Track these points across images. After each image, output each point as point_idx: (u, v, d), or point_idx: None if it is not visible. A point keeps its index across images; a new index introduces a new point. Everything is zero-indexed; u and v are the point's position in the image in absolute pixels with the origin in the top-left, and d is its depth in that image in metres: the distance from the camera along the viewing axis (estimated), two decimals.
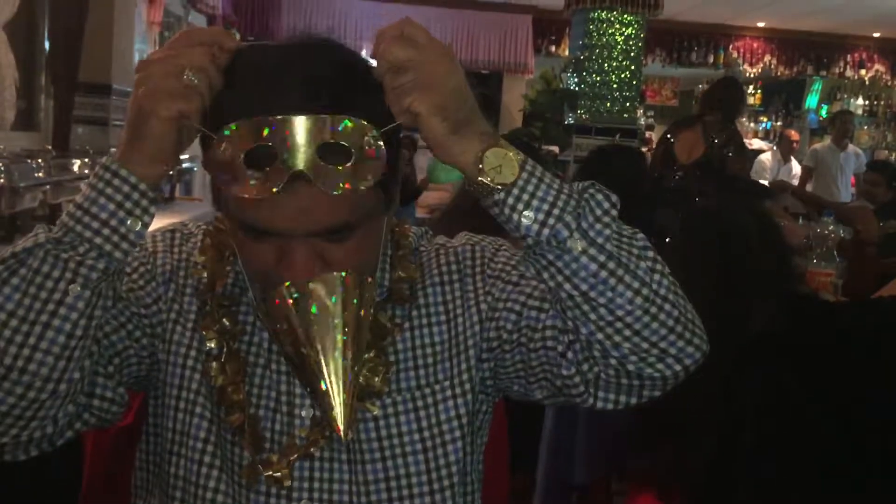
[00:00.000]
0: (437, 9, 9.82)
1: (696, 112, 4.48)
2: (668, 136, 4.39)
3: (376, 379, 0.98)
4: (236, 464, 0.98)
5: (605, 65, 7.23)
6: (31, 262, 0.82)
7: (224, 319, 0.99)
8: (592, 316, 0.89)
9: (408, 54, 0.82)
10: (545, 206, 0.85)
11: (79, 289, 0.82)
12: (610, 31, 7.17)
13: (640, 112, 10.87)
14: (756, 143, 11.18)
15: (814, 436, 1.56)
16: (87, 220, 0.82)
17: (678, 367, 0.92)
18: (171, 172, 0.90)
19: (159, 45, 6.55)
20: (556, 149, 7.10)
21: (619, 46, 7.20)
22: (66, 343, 0.83)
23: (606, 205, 0.89)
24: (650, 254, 0.91)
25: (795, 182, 7.21)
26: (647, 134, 11.46)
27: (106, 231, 0.82)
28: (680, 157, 4.23)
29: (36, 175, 3.06)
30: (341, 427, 0.86)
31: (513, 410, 1.30)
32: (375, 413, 0.99)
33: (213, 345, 0.97)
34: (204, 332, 0.99)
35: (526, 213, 0.85)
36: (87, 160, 3.61)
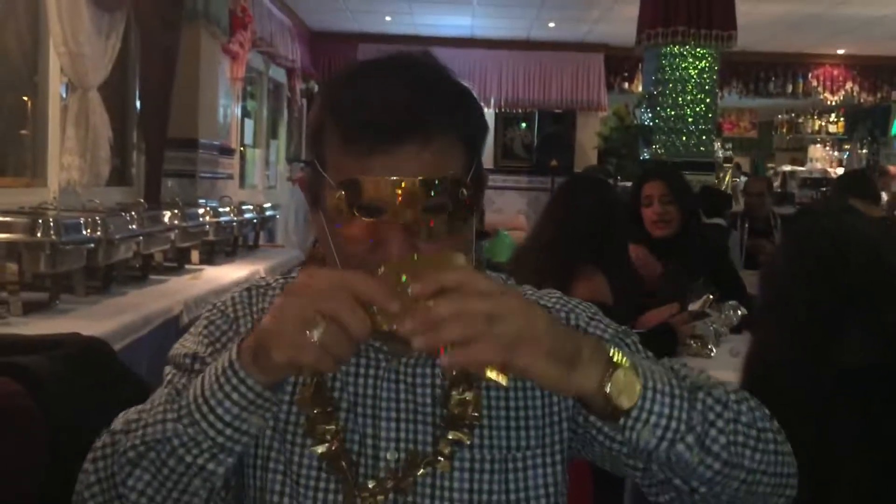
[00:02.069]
0: (510, 52, 9.91)
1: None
2: None
3: (469, 409, 0.99)
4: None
5: (680, 99, 7.17)
6: (159, 451, 0.90)
7: None
8: (696, 497, 0.92)
9: (493, 306, 0.79)
10: (663, 422, 0.84)
11: (199, 482, 0.91)
12: (683, 66, 7.13)
13: (717, 145, 10.74)
14: (840, 172, 10.88)
15: None
16: (212, 418, 0.88)
17: None
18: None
19: (241, 100, 6.80)
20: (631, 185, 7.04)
21: (692, 80, 7.14)
22: None
23: (719, 408, 0.88)
24: (753, 432, 0.91)
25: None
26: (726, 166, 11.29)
27: (229, 431, 0.88)
28: None
29: (130, 227, 3.22)
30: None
31: None
32: (467, 444, 0.99)
33: (307, 377, 1.00)
34: None
35: (645, 431, 0.84)
36: (176, 211, 3.77)
